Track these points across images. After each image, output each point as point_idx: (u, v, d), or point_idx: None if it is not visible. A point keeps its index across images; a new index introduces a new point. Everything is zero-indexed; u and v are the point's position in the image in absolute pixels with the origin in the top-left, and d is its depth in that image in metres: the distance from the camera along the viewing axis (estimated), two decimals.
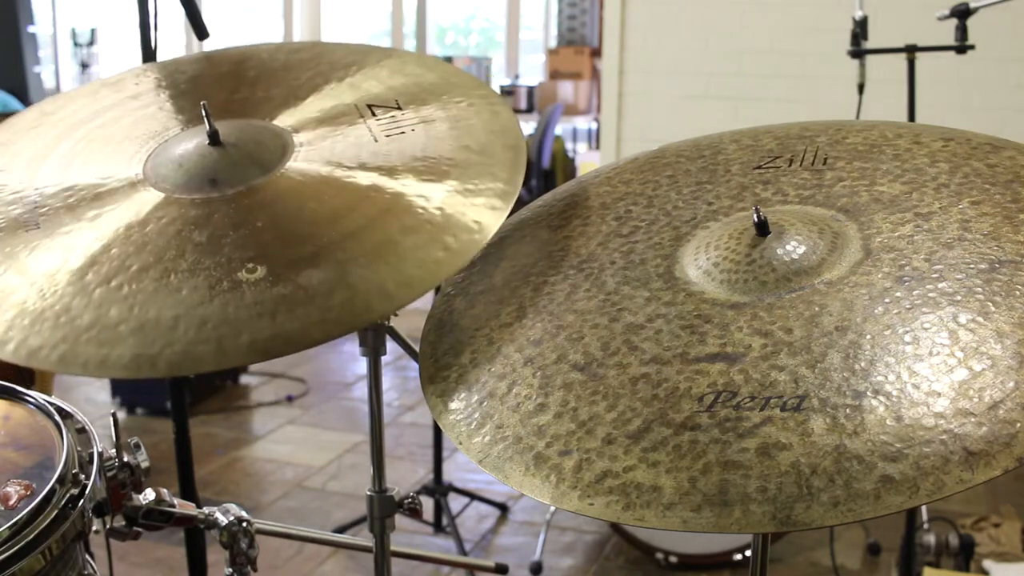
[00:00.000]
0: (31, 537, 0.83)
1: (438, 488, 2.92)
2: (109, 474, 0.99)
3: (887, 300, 0.78)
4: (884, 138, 1.00)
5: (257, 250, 0.92)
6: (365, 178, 0.98)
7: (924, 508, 2.58)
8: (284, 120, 1.09)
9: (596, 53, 8.21)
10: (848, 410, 0.71)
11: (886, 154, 0.97)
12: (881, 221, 0.87)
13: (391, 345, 1.15)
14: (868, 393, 0.71)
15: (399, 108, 1.08)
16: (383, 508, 1.17)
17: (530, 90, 8.05)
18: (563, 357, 0.84)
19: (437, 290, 0.98)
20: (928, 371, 0.71)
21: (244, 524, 1.10)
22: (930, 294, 0.77)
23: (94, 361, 0.87)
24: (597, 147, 6.67)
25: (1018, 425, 0.66)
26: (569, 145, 7.98)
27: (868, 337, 0.75)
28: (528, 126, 7.10)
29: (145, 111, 1.15)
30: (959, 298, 0.76)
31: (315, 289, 0.88)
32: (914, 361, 0.72)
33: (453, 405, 0.86)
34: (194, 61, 1.26)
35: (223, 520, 1.09)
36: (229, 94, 1.15)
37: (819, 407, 0.72)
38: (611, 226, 0.99)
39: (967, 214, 0.85)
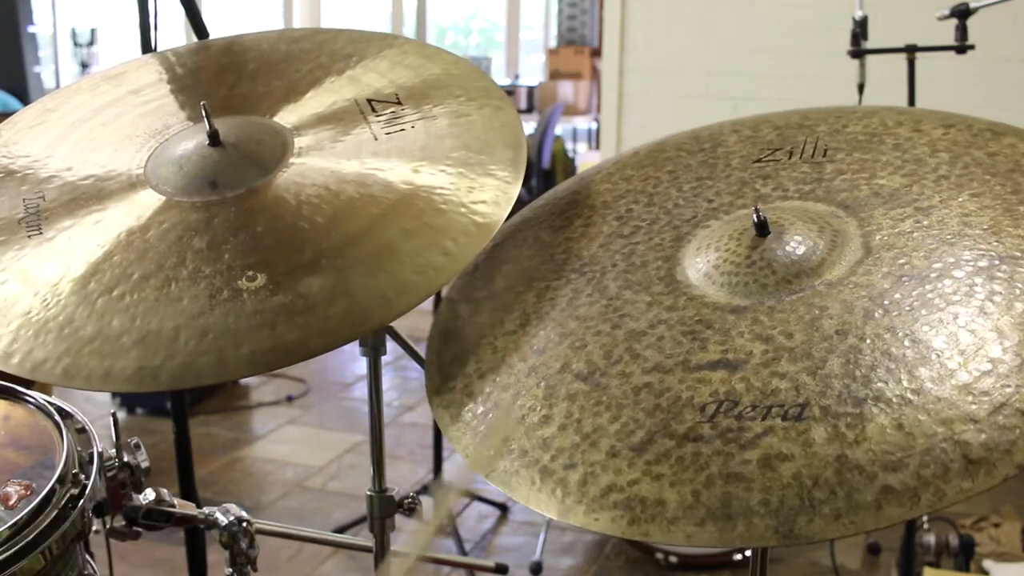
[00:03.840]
0: (31, 537, 0.83)
1: None
2: (109, 474, 0.99)
3: (887, 301, 0.78)
4: (884, 126, 0.99)
5: (257, 257, 0.92)
6: (365, 179, 0.98)
7: None
8: (284, 117, 1.09)
9: (596, 53, 8.20)
10: (849, 419, 0.70)
11: (886, 144, 0.97)
12: (881, 217, 0.87)
13: (391, 345, 1.15)
14: (869, 400, 0.71)
15: (399, 103, 1.08)
16: (383, 508, 1.17)
17: (530, 90, 8.04)
18: (566, 366, 0.84)
19: (439, 300, 0.98)
20: (928, 375, 0.71)
21: (244, 524, 1.10)
22: (929, 294, 0.77)
23: (97, 374, 0.87)
24: (597, 147, 6.67)
25: (1017, 431, 0.66)
26: (569, 145, 7.97)
27: (868, 341, 0.75)
28: (528, 126, 7.09)
29: (146, 107, 1.15)
30: (958, 298, 0.75)
31: (315, 297, 0.88)
32: (914, 365, 0.72)
33: (459, 417, 0.86)
34: (194, 52, 1.25)
35: (223, 520, 1.09)
36: (229, 89, 1.15)
37: (820, 416, 0.71)
38: (612, 226, 0.99)
39: (967, 207, 0.85)
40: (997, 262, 0.77)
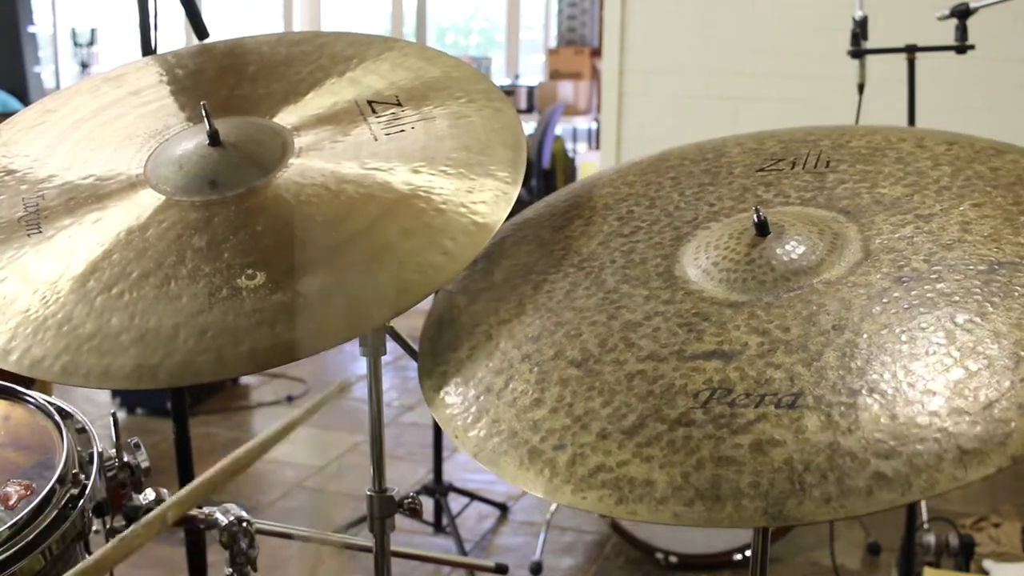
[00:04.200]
0: (31, 537, 0.83)
1: (438, 488, 2.92)
2: (109, 474, 0.99)
3: (885, 300, 0.78)
4: (887, 142, 1.01)
5: (257, 255, 0.92)
6: (364, 179, 0.98)
7: (924, 508, 2.58)
8: (284, 118, 1.09)
9: (596, 53, 8.21)
10: (843, 408, 0.71)
11: (889, 157, 0.98)
12: (882, 222, 0.88)
13: (391, 345, 1.15)
14: (863, 391, 0.72)
15: (399, 104, 1.08)
16: (383, 508, 1.17)
17: (530, 90, 8.04)
18: (560, 353, 0.84)
19: (436, 293, 0.98)
20: (924, 370, 0.72)
21: (244, 524, 1.10)
22: (928, 294, 0.77)
23: (96, 372, 0.87)
24: (597, 147, 6.67)
25: (1012, 424, 0.66)
26: (569, 145, 7.98)
27: (865, 336, 0.75)
28: (528, 126, 7.09)
29: (146, 108, 1.15)
30: (957, 299, 0.76)
31: (314, 296, 0.88)
32: (910, 360, 0.73)
33: (450, 399, 0.86)
34: (195, 54, 1.26)
35: (223, 520, 1.09)
36: (230, 90, 1.15)
37: (814, 404, 0.72)
38: (613, 226, 1.00)
39: (968, 216, 0.85)
40: (996, 267, 0.78)
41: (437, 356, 0.92)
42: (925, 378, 0.71)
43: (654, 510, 0.70)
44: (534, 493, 0.76)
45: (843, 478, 0.67)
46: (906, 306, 0.77)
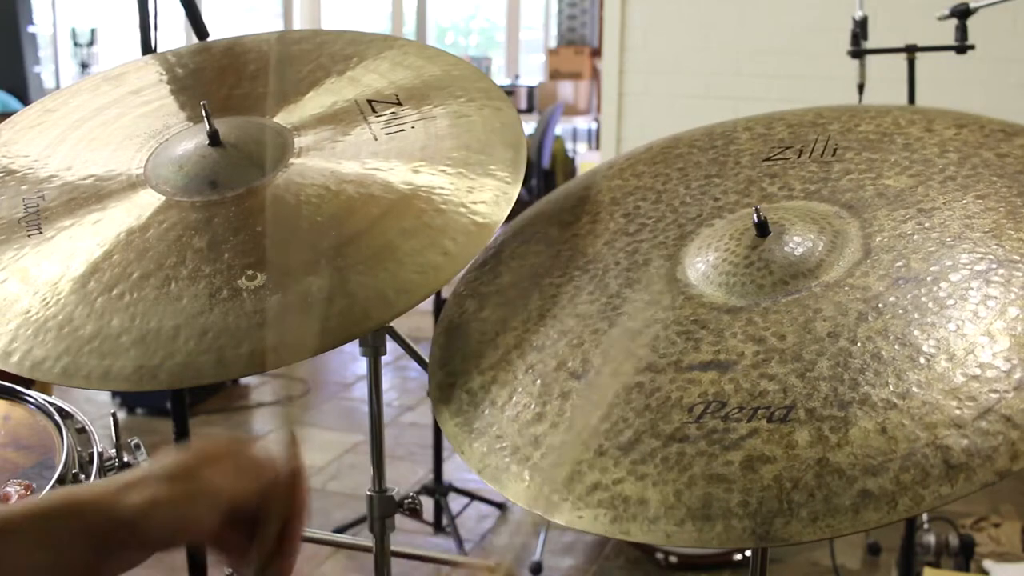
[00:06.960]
0: None
1: (438, 488, 2.92)
2: (109, 474, 0.99)
3: (881, 304, 0.77)
4: (897, 125, 0.99)
5: (257, 256, 0.92)
6: (364, 179, 0.98)
7: None
8: (284, 117, 1.09)
9: (596, 53, 8.20)
10: (833, 422, 0.70)
11: (896, 144, 0.96)
12: (884, 218, 0.87)
13: (391, 345, 1.15)
14: (854, 404, 0.71)
15: (399, 103, 1.08)
16: (383, 508, 1.17)
17: (530, 90, 8.04)
18: (562, 364, 0.84)
19: (437, 293, 0.98)
20: (916, 379, 0.71)
21: None
22: (923, 298, 0.76)
23: (97, 373, 0.87)
24: (597, 147, 6.66)
25: (1000, 437, 0.66)
26: (569, 145, 7.97)
27: (859, 344, 0.75)
28: (528, 126, 7.09)
29: (146, 107, 1.15)
30: (952, 302, 0.75)
31: (314, 297, 0.88)
32: (903, 369, 0.72)
33: (458, 414, 0.86)
34: (195, 53, 1.25)
35: None
36: (229, 89, 1.15)
37: (805, 418, 0.71)
38: (619, 223, 0.99)
39: (971, 210, 0.84)
40: (995, 266, 0.77)
41: (446, 367, 0.91)
42: (916, 388, 0.70)
43: (647, 530, 0.70)
44: (534, 511, 0.76)
45: (830, 496, 0.67)
46: (901, 311, 0.76)
